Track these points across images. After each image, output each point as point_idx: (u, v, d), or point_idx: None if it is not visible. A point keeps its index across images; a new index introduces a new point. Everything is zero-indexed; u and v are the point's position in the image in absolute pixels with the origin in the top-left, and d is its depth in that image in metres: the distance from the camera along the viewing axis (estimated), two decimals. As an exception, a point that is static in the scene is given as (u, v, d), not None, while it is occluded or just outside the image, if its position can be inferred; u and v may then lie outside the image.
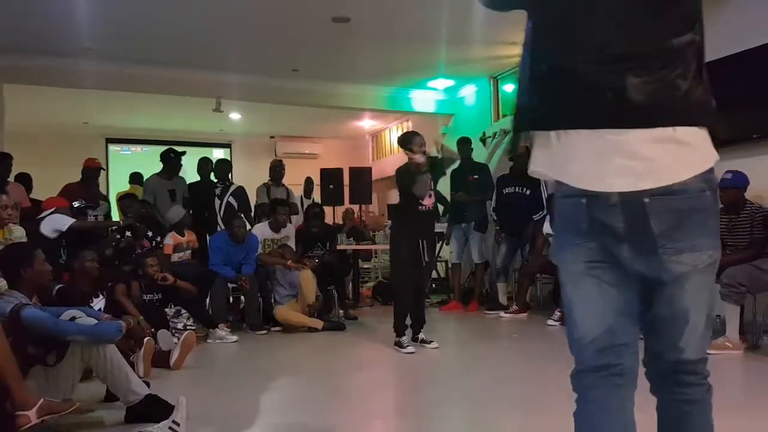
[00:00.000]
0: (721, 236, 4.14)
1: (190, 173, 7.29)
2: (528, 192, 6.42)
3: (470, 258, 6.94)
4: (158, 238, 5.88)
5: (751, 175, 4.51)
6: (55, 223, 4.76)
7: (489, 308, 6.59)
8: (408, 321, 4.76)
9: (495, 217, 6.86)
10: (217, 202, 6.84)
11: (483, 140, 8.33)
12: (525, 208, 6.39)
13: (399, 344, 4.62)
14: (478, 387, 3.70)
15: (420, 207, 4.61)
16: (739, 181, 4.48)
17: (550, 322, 5.65)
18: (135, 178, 7.98)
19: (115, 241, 5.52)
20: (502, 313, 6.30)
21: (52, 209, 4.93)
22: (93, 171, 6.75)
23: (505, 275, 6.68)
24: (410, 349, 4.56)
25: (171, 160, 6.75)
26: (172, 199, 6.55)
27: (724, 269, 4.13)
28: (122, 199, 6.26)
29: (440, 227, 6.97)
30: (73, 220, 4.87)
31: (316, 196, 8.16)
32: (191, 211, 6.45)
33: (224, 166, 7.29)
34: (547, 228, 6.15)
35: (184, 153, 6.90)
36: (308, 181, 8.13)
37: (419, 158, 4.50)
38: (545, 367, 4.16)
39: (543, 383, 3.67)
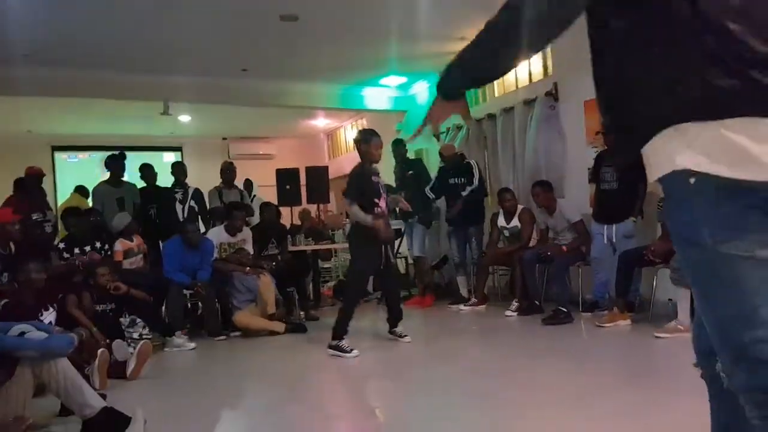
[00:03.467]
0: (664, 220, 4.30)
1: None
2: (464, 180, 6.55)
3: (426, 252, 7.03)
4: (107, 247, 5.73)
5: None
6: None
7: (451, 302, 6.68)
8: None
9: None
10: (178, 206, 6.72)
11: (437, 136, 8.37)
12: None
13: (339, 348, 4.45)
14: (439, 380, 3.74)
15: (375, 209, 4.63)
16: None
17: (508, 312, 5.74)
18: (80, 190, 7.75)
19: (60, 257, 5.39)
20: (461, 306, 6.39)
21: None
22: (35, 179, 6.55)
23: (463, 268, 6.77)
24: (355, 352, 4.43)
25: (110, 166, 6.63)
26: (120, 206, 6.41)
27: (672, 254, 4.26)
28: (66, 216, 5.98)
29: (398, 224, 7.03)
30: None
31: (272, 197, 8.08)
32: (146, 216, 6.33)
33: (181, 168, 7.15)
34: (501, 221, 6.26)
35: (123, 156, 6.75)
36: (248, 183, 8.07)
37: (379, 222, 4.54)
38: (505, 357, 4.25)
39: (503, 374, 3.74)
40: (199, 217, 6.81)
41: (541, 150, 6.50)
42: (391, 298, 5.01)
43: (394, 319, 4.90)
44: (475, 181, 6.48)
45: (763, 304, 1.10)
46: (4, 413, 2.62)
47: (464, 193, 6.47)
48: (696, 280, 1.21)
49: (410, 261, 7.66)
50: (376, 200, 4.66)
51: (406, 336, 4.84)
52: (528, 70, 7.10)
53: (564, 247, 5.58)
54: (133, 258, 5.84)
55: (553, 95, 6.43)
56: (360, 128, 10.99)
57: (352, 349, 4.45)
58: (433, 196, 6.87)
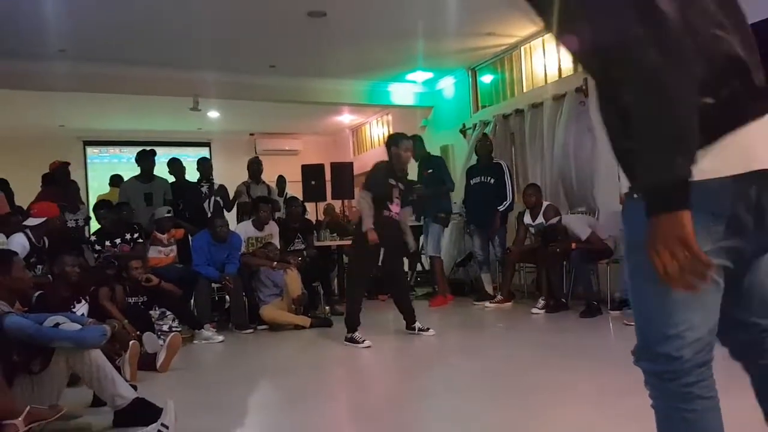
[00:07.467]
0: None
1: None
2: (492, 181, 6.49)
3: (449, 250, 6.98)
4: (139, 240, 5.82)
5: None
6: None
7: (476, 299, 6.64)
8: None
9: (464, 209, 6.95)
10: (205, 200, 6.81)
11: (463, 132, 8.35)
12: (490, 197, 6.46)
13: (353, 340, 4.59)
14: (462, 377, 3.73)
15: (385, 212, 4.67)
16: None
17: (534, 310, 5.70)
18: (115, 180, 7.90)
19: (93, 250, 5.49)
20: (487, 303, 6.36)
21: (43, 219, 4.81)
22: (63, 169, 6.66)
23: (487, 265, 6.73)
24: (367, 343, 4.55)
25: (140, 162, 6.71)
26: (147, 202, 6.47)
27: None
28: (97, 208, 6.08)
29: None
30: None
31: (297, 192, 8.13)
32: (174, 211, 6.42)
33: (207, 164, 7.28)
34: (528, 219, 6.21)
35: (153, 153, 6.80)
36: (281, 180, 8.12)
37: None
38: (530, 355, 4.22)
39: (526, 372, 3.71)
40: (224, 211, 6.89)
41: (570, 146, 6.43)
42: (398, 301, 5.03)
43: (407, 317, 4.97)
44: (509, 197, 6.42)
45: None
46: (39, 402, 2.68)
47: (501, 209, 6.40)
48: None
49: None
50: (388, 203, 4.68)
51: (428, 329, 4.89)
52: (557, 66, 7.02)
53: (573, 243, 5.56)
54: (165, 248, 5.91)
55: (583, 91, 6.34)
56: (386, 124, 11.02)
57: (364, 340, 4.57)
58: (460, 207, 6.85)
